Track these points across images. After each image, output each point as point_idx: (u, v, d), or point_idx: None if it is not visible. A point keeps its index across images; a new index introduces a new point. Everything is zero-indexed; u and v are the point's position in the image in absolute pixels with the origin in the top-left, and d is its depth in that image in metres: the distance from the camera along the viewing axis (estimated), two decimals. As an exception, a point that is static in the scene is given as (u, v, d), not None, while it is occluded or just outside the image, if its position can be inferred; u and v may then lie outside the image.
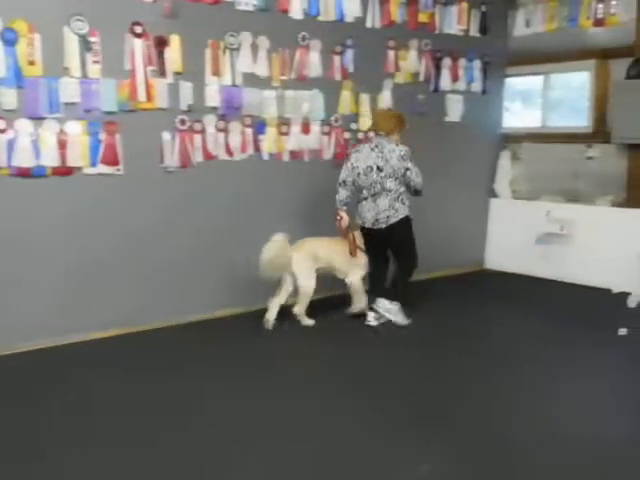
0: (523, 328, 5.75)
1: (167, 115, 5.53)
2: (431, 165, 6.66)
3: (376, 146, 5.67)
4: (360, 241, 5.84)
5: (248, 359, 4.90)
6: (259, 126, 6.05)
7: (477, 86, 7.77)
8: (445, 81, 7.46)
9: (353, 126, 6.72)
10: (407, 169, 5.60)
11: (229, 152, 5.90)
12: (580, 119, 7.72)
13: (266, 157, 6.15)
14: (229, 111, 5.83)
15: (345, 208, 5.78)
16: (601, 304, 6.49)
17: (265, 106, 6.06)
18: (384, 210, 5.64)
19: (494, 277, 7.76)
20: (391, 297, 5.76)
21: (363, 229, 5.82)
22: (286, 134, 6.25)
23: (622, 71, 7.10)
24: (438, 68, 7.36)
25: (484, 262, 8.19)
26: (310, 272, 5.69)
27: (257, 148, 6.07)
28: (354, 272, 5.91)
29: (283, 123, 6.21)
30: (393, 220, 5.64)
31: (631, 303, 6.24)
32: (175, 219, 5.73)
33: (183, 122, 5.63)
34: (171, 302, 5.76)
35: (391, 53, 6.93)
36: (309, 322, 5.75)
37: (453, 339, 5.46)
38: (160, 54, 5.45)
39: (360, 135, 6.76)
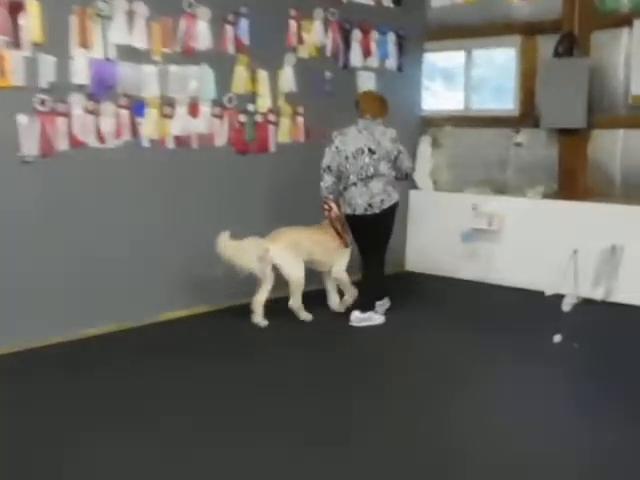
0: (446, 336, 5.87)
1: (24, 94, 5.40)
2: None
3: (365, 128, 6.07)
4: (347, 232, 6.27)
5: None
6: (137, 107, 5.99)
7: (392, 62, 7.86)
8: (355, 57, 7.52)
9: (250, 107, 6.71)
10: (400, 152, 6.08)
11: (101, 138, 5.82)
12: (506, 101, 7.90)
13: (146, 144, 6.09)
14: (100, 90, 5.77)
15: (332, 196, 6.13)
16: (533, 308, 6.65)
17: (144, 84, 6.01)
18: (378, 194, 6.06)
19: (414, 280, 7.87)
20: (364, 303, 6.21)
21: (350, 219, 6.19)
22: (170, 117, 6.19)
23: (550, 48, 7.32)
24: (347, 42, 7.41)
25: (404, 263, 8.28)
26: (295, 261, 6.09)
27: (135, 133, 6.01)
28: (338, 263, 6.35)
29: (166, 104, 6.15)
30: (387, 205, 6.08)
31: (565, 306, 6.40)
32: (34, 218, 5.57)
33: (43, 103, 5.51)
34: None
35: (293, 23, 6.96)
36: (307, 316, 6.16)
37: (368, 352, 5.55)
38: (14, 21, 5.29)
39: (259, 118, 6.76)
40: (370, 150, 6.01)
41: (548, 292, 6.83)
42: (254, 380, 4.88)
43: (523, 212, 7.44)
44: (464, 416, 4.33)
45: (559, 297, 6.50)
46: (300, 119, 7.08)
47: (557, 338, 5.62)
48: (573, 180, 7.39)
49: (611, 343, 5.68)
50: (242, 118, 6.66)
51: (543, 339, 5.66)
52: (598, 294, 6.75)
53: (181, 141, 6.29)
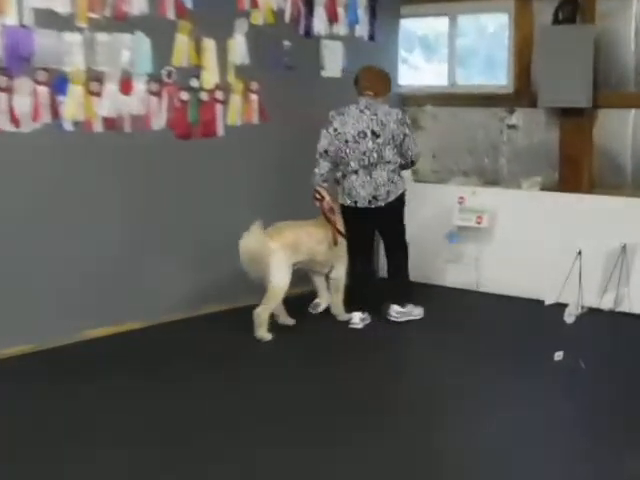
0: (435, 356, 5.95)
1: None
2: (303, 138, 6.74)
3: (367, 108, 6.27)
4: (341, 226, 6.47)
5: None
6: (58, 83, 5.93)
7: (363, 30, 7.87)
8: (319, 23, 7.49)
9: (193, 83, 6.64)
10: (405, 135, 6.26)
11: (15, 121, 5.74)
12: (498, 76, 7.95)
13: (69, 127, 6.03)
14: (14, 62, 5.69)
15: (326, 185, 6.37)
16: (530, 320, 6.66)
17: (67, 55, 5.94)
18: (383, 184, 6.28)
19: (389, 289, 7.61)
20: (399, 297, 6.54)
21: (349, 210, 6.41)
22: (98, 94, 6.13)
23: (549, 14, 7.28)
24: (309, 6, 7.41)
25: (377, 268, 8.15)
26: (286, 267, 6.20)
27: (56, 114, 5.96)
28: (339, 265, 6.57)
29: (93, 79, 6.08)
30: (392, 197, 6.32)
31: (568, 317, 6.25)
32: None
33: (-57, 79, 5.56)
34: None
35: (245, -17, 6.99)
36: (266, 335, 6.13)
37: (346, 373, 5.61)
38: None
39: (204, 96, 6.70)
40: (374, 133, 6.19)
41: (548, 301, 6.58)
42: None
43: (518, 207, 7.41)
44: (451, 441, 4.50)
45: (561, 306, 6.24)
46: (254, 97, 7.03)
47: (558, 355, 5.54)
48: (576, 169, 7.39)
49: (622, 361, 5.69)
50: (184, 96, 6.61)
51: (542, 357, 5.64)
52: (606, 302, 6.60)
53: (111, 124, 6.23)
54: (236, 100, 6.88)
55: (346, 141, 6.24)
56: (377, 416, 4.77)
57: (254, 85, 6.97)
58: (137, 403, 4.99)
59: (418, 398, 5.17)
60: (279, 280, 6.13)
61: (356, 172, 6.27)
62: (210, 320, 6.61)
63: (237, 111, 6.91)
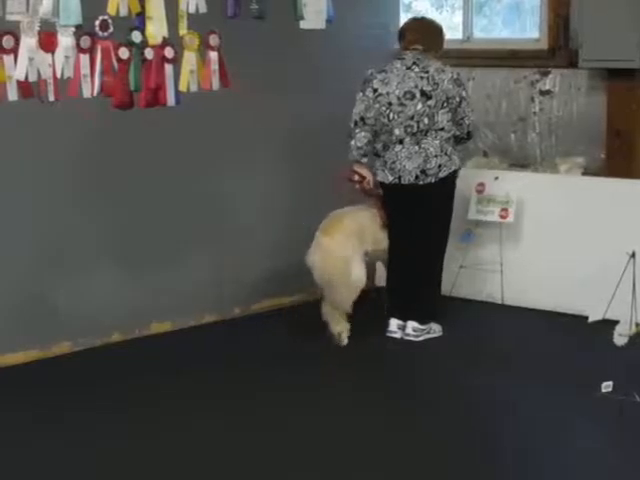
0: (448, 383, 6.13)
1: None
2: (274, 108, 7.11)
3: (414, 63, 6.54)
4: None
5: None
6: None
7: None
8: None
9: (135, 38, 6.61)
10: (462, 98, 6.59)
11: None
12: (528, 27, 8.05)
13: None
14: None
15: (365, 160, 6.68)
16: (570, 341, 6.77)
17: None
18: (435, 156, 6.52)
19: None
20: (420, 311, 6.83)
21: (390, 190, 6.69)
22: (10, 52, 6.14)
23: None
24: None
25: (374, 276, 8.14)
26: (359, 258, 6.76)
27: None
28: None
29: (3, 32, 6.09)
30: (445, 172, 6.56)
31: (618, 339, 6.27)
32: None
33: None
34: None
35: None
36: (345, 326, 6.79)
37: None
38: None
39: (149, 54, 6.67)
40: (424, 93, 6.45)
41: (593, 317, 6.61)
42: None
43: (553, 196, 7.43)
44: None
45: (609, 325, 6.29)
46: (213, 55, 6.98)
47: (607, 386, 5.61)
48: (628, 147, 7.47)
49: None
50: (123, 54, 6.58)
51: (586, 388, 5.71)
52: (667, 320, 6.78)
53: (28, 90, 6.23)
54: (190, 59, 6.84)
55: (389, 104, 6.49)
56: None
57: (213, 40, 6.92)
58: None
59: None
60: (354, 276, 6.68)
61: (401, 141, 6.52)
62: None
63: (192, 74, 6.87)
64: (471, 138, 6.93)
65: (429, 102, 6.44)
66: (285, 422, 5.48)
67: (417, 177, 6.50)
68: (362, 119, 6.56)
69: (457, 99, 6.51)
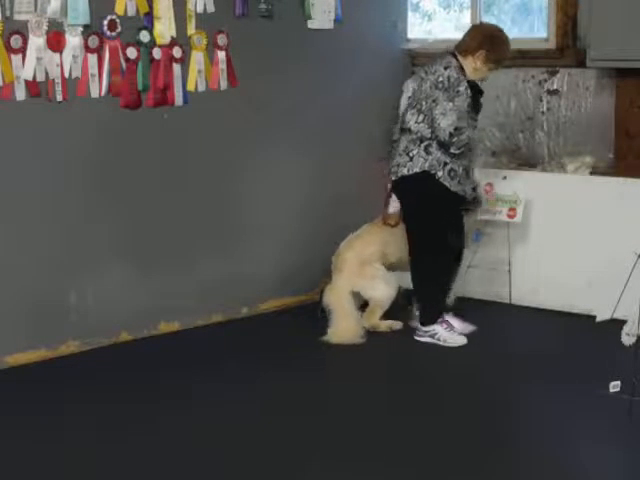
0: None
1: None
2: (281, 107, 7.12)
3: (433, 64, 6.64)
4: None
5: None
6: None
7: None
8: None
9: (143, 37, 6.68)
10: (434, 101, 6.44)
11: None
12: (535, 26, 7.97)
13: None
14: None
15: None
16: (577, 341, 6.78)
17: None
18: (399, 155, 6.62)
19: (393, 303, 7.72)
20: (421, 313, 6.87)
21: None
22: (18, 51, 6.16)
23: None
24: None
25: None
26: (382, 276, 6.97)
27: None
28: None
29: (11, 32, 6.12)
30: (403, 171, 6.57)
31: (626, 339, 6.27)
32: None
33: None
34: None
35: None
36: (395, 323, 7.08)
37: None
38: None
39: (157, 54, 6.73)
40: (413, 92, 6.62)
41: (600, 317, 6.61)
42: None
43: (561, 195, 7.42)
44: None
45: (616, 324, 6.22)
46: (221, 55, 7.06)
47: (615, 386, 5.57)
48: (637, 147, 7.39)
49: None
50: (131, 54, 6.65)
51: (593, 388, 5.70)
52: (676, 319, 6.77)
53: (36, 89, 6.25)
54: (198, 59, 6.93)
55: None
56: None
57: (221, 39, 7.00)
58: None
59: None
60: (380, 294, 6.95)
61: (397, 140, 6.72)
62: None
63: (200, 74, 6.96)
64: (453, 145, 6.43)
65: (410, 101, 6.62)
66: (292, 421, 5.46)
67: (389, 173, 6.72)
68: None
69: (429, 101, 6.45)
